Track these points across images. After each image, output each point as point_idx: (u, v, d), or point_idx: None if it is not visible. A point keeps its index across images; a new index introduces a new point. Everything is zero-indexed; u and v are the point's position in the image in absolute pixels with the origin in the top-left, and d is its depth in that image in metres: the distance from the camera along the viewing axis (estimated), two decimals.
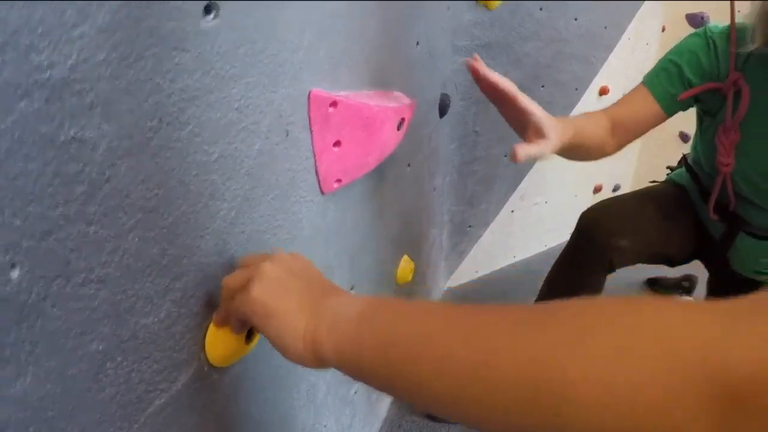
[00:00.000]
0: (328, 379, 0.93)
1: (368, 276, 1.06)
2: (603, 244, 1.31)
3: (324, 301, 0.51)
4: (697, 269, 1.58)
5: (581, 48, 1.90)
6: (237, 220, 0.57)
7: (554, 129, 0.98)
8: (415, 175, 1.30)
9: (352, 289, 0.98)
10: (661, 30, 2.46)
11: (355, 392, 1.11)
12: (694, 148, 1.41)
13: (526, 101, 0.96)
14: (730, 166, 1.24)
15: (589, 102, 2.04)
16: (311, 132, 0.71)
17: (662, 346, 0.32)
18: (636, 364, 0.33)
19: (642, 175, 2.53)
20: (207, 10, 0.47)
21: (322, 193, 0.78)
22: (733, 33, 1.15)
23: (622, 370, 0.33)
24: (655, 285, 2.10)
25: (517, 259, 2.24)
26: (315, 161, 0.73)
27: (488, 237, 2.00)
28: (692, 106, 1.28)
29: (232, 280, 0.54)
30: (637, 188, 1.45)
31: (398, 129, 0.95)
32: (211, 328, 0.55)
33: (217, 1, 0.48)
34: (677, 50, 1.24)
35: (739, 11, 1.12)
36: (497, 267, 2.18)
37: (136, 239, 0.43)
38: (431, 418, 1.49)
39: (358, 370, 0.46)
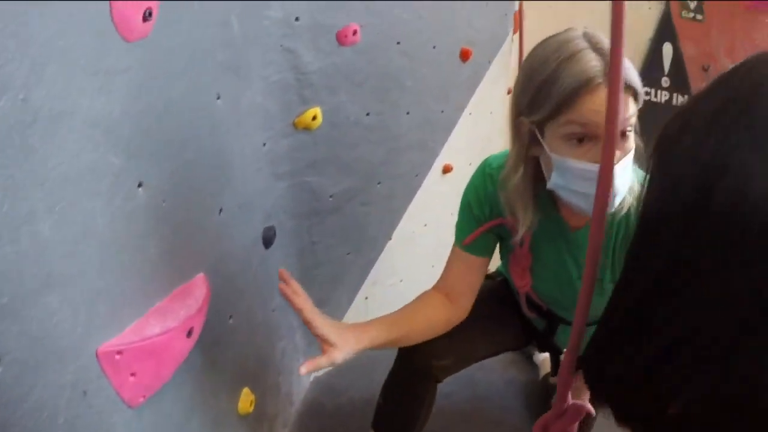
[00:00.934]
0: None
1: None
2: (424, 366, 1.36)
3: None
4: None
5: (417, 137, 1.94)
6: None
7: (342, 338, 1.10)
8: (243, 319, 1.31)
9: None
10: (506, 93, 2.53)
11: None
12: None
13: (310, 315, 1.04)
14: (527, 286, 1.32)
15: (432, 183, 2.10)
16: (109, 380, 0.78)
17: None
18: None
19: None
20: None
21: (132, 407, 0.84)
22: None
23: None
24: None
25: None
26: (118, 393, 0.80)
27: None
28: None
29: None
30: None
31: (188, 337, 0.96)
32: None
33: None
34: (465, 191, 1.30)
35: None
36: None
37: None
38: None
39: None
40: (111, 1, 0.74)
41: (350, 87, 1.60)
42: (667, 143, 0.53)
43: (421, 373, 1.36)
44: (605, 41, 1.01)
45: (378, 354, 2.15)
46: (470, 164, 2.20)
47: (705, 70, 3.21)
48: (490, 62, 2.25)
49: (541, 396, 1.88)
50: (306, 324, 1.09)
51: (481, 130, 2.31)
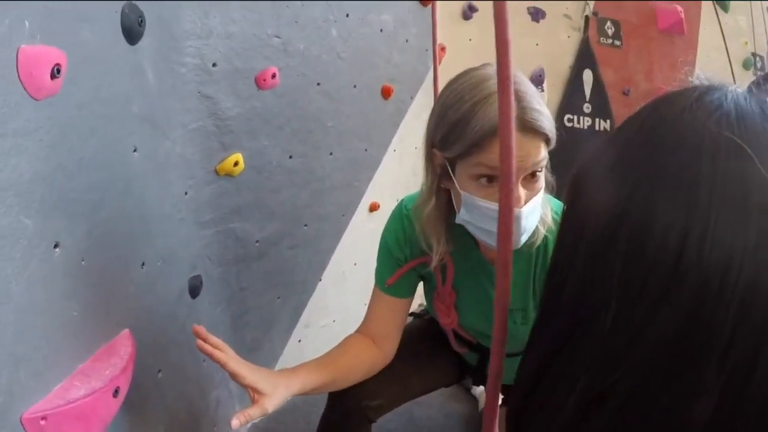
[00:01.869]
0: None
1: None
2: (355, 407, 1.35)
3: None
4: None
5: (342, 178, 1.95)
6: None
7: (271, 385, 1.08)
8: (173, 372, 1.28)
9: None
10: None
11: None
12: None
13: (234, 366, 1.02)
14: (454, 322, 1.33)
15: (360, 221, 2.11)
16: None
17: None
18: None
19: None
20: None
21: None
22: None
23: None
24: None
25: None
26: None
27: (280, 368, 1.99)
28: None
29: None
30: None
31: (114, 397, 0.93)
32: None
33: None
34: (383, 234, 1.32)
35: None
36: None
37: None
38: None
39: None
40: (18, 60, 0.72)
41: (271, 130, 1.60)
42: (576, 184, 0.54)
43: (353, 414, 1.35)
44: (522, 82, 1.03)
45: (316, 396, 2.14)
46: (397, 200, 2.22)
47: (625, 94, 3.33)
48: (412, 98, 2.29)
49: (480, 428, 1.89)
50: (232, 377, 1.07)
51: (406, 166, 2.34)
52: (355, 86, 1.89)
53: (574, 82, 3.19)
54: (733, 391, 0.41)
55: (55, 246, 0.83)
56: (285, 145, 1.65)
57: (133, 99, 1.07)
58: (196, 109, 1.36)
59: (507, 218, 0.66)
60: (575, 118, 3.19)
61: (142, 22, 1.04)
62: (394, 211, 1.32)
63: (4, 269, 0.72)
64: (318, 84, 1.72)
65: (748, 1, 3.50)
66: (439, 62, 2.42)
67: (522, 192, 1.02)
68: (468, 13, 2.70)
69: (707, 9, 3.47)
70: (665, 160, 0.46)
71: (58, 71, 0.80)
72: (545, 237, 1.15)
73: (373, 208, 2.16)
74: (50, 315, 0.82)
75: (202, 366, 1.49)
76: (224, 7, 1.35)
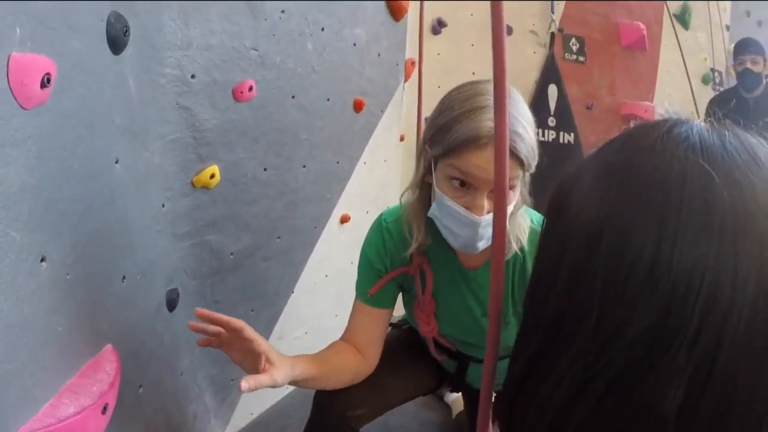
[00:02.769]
0: None
1: None
2: (339, 417, 1.36)
3: None
4: None
5: (314, 190, 1.95)
6: None
7: (280, 359, 1.13)
8: (152, 387, 1.26)
9: None
10: (399, 141, 2.58)
11: None
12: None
13: (252, 332, 1.10)
14: (434, 331, 1.36)
15: (331, 233, 2.11)
16: None
17: None
18: None
19: None
20: None
21: None
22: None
23: None
24: None
25: (291, 389, 2.23)
26: None
27: None
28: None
29: None
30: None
31: (103, 414, 0.91)
32: None
33: None
34: (363, 247, 1.35)
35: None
36: (273, 402, 2.15)
37: None
38: None
39: None
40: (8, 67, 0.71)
41: (247, 143, 1.59)
42: (559, 201, 0.60)
43: (337, 423, 1.35)
44: (515, 104, 1.09)
45: (290, 409, 2.12)
46: (367, 212, 2.23)
47: (589, 108, 3.41)
48: (382, 111, 2.30)
49: None
50: (247, 343, 1.10)
51: (375, 178, 2.35)
52: (328, 99, 1.89)
53: (539, 97, 3.25)
54: (700, 376, 0.47)
55: (42, 260, 0.81)
56: (260, 157, 1.64)
57: (115, 110, 1.06)
58: (174, 120, 1.34)
59: (500, 228, 0.75)
60: (540, 131, 3.26)
61: (127, 32, 1.03)
62: (373, 225, 1.35)
63: None
64: (293, 97, 1.72)
65: (708, 19, 3.62)
66: (408, 77, 2.46)
67: (486, 203, 1.09)
68: (437, 28, 2.73)
69: (668, 26, 3.58)
70: (640, 182, 0.53)
71: (48, 80, 0.78)
72: (522, 248, 1.19)
73: (344, 220, 2.16)
74: (37, 330, 0.80)
75: (179, 380, 1.47)
76: (205, 17, 1.34)
